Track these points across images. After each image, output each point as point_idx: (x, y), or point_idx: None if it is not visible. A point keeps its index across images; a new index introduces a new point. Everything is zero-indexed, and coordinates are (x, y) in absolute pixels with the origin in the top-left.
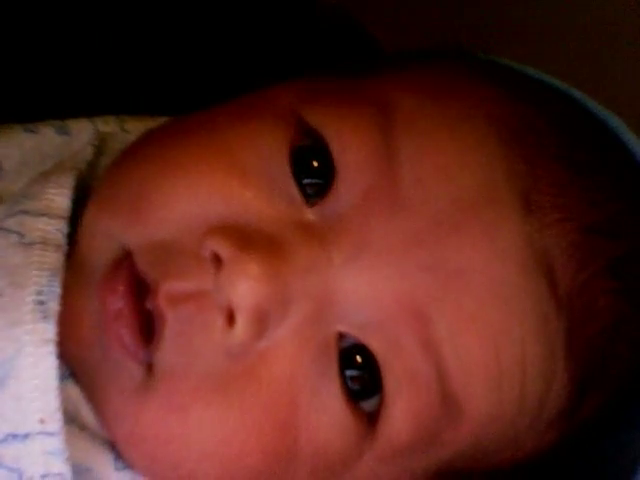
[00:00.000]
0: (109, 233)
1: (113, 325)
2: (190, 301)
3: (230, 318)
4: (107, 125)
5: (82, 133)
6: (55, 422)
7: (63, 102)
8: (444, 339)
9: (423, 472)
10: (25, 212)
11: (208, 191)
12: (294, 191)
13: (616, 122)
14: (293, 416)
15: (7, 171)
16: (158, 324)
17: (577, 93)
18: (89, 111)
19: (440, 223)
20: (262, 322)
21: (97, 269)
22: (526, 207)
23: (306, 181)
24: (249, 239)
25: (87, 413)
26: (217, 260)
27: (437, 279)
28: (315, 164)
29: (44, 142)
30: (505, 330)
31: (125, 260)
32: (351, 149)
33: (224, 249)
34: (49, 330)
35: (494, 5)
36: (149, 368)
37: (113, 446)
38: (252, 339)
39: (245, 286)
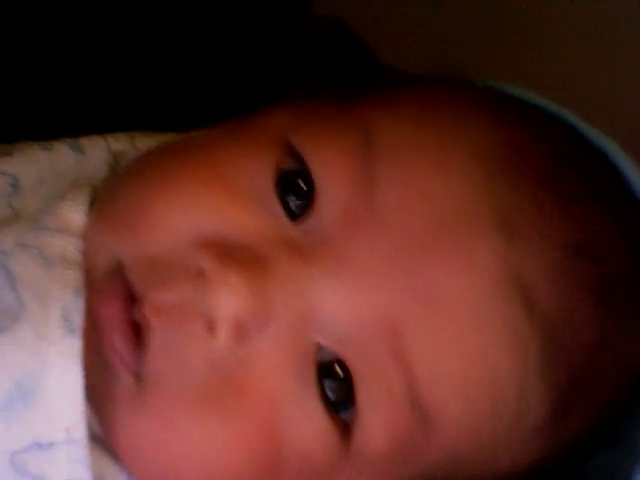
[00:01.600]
0: (104, 246)
1: (107, 333)
2: (175, 311)
3: (211, 328)
4: (118, 142)
5: (95, 151)
6: (80, 431)
7: (74, 119)
8: (415, 351)
9: None
10: (43, 228)
11: (197, 208)
12: (279, 209)
13: (614, 149)
14: (276, 424)
15: (24, 188)
16: (145, 333)
17: (575, 119)
18: (99, 128)
19: (416, 243)
20: (241, 332)
21: (94, 281)
22: (504, 228)
23: (292, 201)
24: (232, 253)
25: (97, 424)
26: (202, 273)
27: (412, 297)
28: (301, 185)
29: (59, 160)
30: (475, 345)
31: (118, 272)
32: (331, 171)
33: (208, 262)
34: (75, 344)
35: (491, 16)
36: (139, 378)
37: None
38: (232, 348)
39: (225, 297)
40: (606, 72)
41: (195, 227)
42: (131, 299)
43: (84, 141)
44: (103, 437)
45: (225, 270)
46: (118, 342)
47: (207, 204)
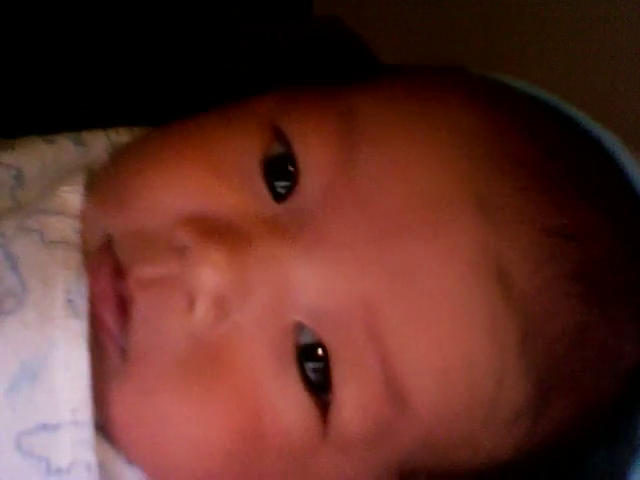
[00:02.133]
0: (97, 222)
1: (97, 306)
2: (158, 285)
3: (192, 302)
4: (119, 135)
5: (97, 143)
6: (86, 412)
7: (76, 115)
8: (390, 332)
9: (385, 470)
10: (42, 211)
11: (183, 184)
12: (264, 190)
13: (612, 141)
14: (256, 400)
15: (28, 180)
16: (129, 307)
17: (574, 111)
18: (100, 123)
19: (392, 222)
20: (221, 306)
21: (88, 255)
22: (481, 208)
23: (278, 183)
24: (215, 230)
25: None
26: (185, 248)
27: (388, 275)
28: (288, 167)
29: (62, 152)
30: (451, 327)
31: (107, 246)
32: (313, 151)
33: (190, 238)
34: (81, 326)
35: (492, 17)
36: (125, 353)
37: None
38: (212, 322)
39: (205, 272)
40: (606, 71)
41: (180, 204)
42: (119, 273)
43: (86, 134)
44: (99, 418)
45: (206, 246)
46: (107, 317)
47: (193, 183)
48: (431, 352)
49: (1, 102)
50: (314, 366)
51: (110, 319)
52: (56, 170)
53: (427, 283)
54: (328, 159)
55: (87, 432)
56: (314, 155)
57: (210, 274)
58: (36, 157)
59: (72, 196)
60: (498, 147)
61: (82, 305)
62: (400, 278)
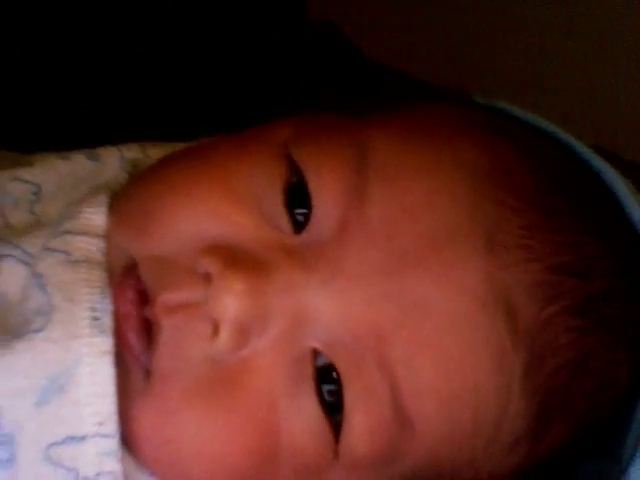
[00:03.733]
0: (121, 246)
1: (122, 327)
2: (183, 311)
3: (216, 328)
4: (131, 152)
5: (111, 159)
6: (111, 425)
7: (88, 132)
8: (399, 361)
9: None
10: (67, 232)
11: (205, 213)
12: (284, 219)
13: (610, 172)
14: (272, 419)
15: (45, 195)
16: (155, 331)
17: (575, 143)
18: (110, 139)
19: (403, 257)
20: (243, 333)
21: (113, 277)
22: (489, 246)
23: (298, 211)
24: (237, 259)
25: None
26: (208, 276)
27: (398, 307)
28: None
29: (77, 168)
30: (458, 358)
31: (132, 269)
32: (326, 186)
33: (214, 267)
34: (106, 343)
35: (488, 20)
36: (148, 373)
37: None
38: (233, 349)
39: (229, 301)
40: (606, 74)
41: (202, 231)
42: (144, 297)
43: (99, 150)
44: (123, 433)
45: (229, 274)
46: (131, 338)
47: (214, 210)
48: (438, 382)
49: (12, 115)
50: (329, 388)
51: (135, 340)
52: (73, 184)
53: (436, 316)
54: (341, 193)
55: (113, 444)
56: (327, 188)
57: (233, 303)
58: (52, 172)
59: (96, 217)
60: (505, 185)
61: (107, 323)
62: (410, 310)
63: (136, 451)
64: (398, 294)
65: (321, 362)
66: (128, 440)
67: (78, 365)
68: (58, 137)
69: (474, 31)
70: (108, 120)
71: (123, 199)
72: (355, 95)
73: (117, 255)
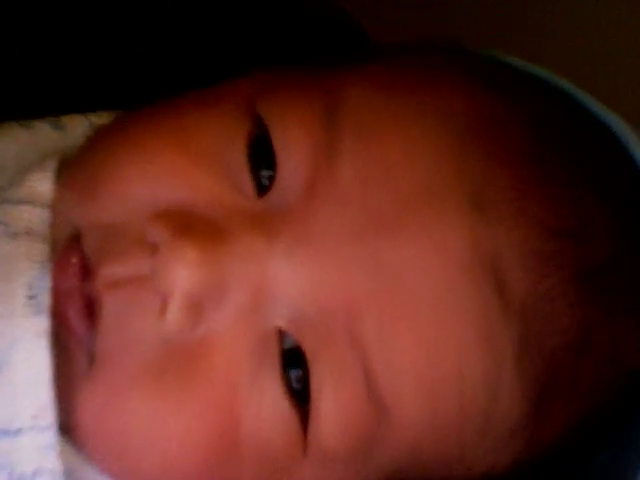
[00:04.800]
0: (66, 214)
1: (62, 305)
2: (128, 286)
3: (164, 303)
4: (100, 119)
5: (77, 128)
6: (47, 417)
7: (57, 100)
8: (372, 337)
9: None
10: (8, 201)
11: (158, 172)
12: (247, 180)
13: (620, 126)
14: (232, 406)
15: (3, 167)
16: (97, 308)
17: (580, 93)
18: (82, 109)
19: (379, 218)
20: (195, 308)
21: (56, 247)
22: (475, 206)
23: (264, 173)
24: (190, 225)
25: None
26: (157, 245)
27: (372, 275)
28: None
29: (40, 137)
30: (440, 334)
31: (74, 242)
32: (293, 142)
33: (162, 235)
34: (42, 323)
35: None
36: (92, 356)
37: None
38: (184, 326)
39: (178, 271)
40: (606, 69)
41: (155, 195)
42: (86, 271)
43: (65, 119)
44: (66, 423)
45: (179, 242)
46: (72, 317)
47: (169, 171)
48: (417, 360)
49: None
50: (297, 374)
51: (76, 320)
52: (35, 156)
53: (413, 284)
54: (309, 150)
55: (50, 437)
56: (294, 145)
57: (183, 274)
58: (12, 142)
59: (41, 184)
60: (496, 136)
61: (44, 301)
62: (385, 279)
63: (81, 443)
64: (371, 261)
65: (289, 344)
66: (73, 431)
67: (11, 348)
68: (27, 106)
69: (487, 14)
70: (80, 87)
71: (72, 163)
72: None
73: (62, 225)
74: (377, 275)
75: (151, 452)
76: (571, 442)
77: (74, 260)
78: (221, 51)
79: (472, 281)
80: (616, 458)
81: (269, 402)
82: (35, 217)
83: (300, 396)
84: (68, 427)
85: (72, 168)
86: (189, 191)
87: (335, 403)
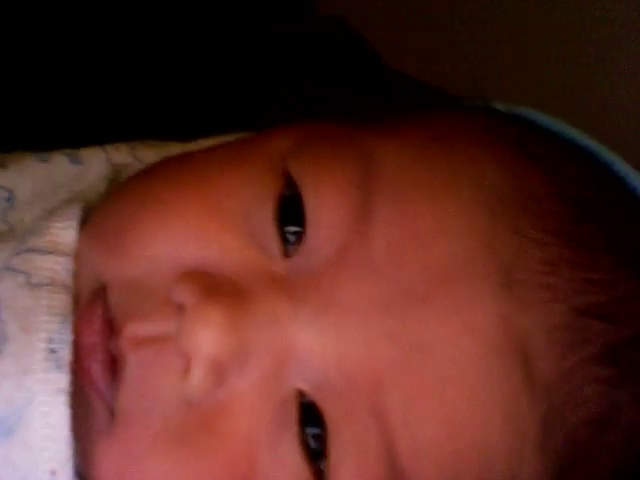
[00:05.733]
0: (91, 266)
1: (85, 360)
2: (152, 345)
3: (187, 366)
4: (119, 153)
5: (95, 162)
6: (66, 473)
7: (73, 129)
8: (396, 411)
9: None
10: (31, 250)
11: (185, 233)
12: (273, 240)
13: None
14: (251, 472)
15: (20, 201)
16: (120, 366)
17: (609, 155)
18: (99, 137)
19: (409, 292)
20: (218, 372)
21: (80, 303)
22: (505, 283)
23: (290, 229)
24: (215, 287)
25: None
26: (182, 306)
27: (399, 349)
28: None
29: (57, 172)
30: (465, 411)
31: (100, 296)
32: (325, 205)
33: (189, 295)
34: (62, 380)
35: (496, 17)
36: (113, 412)
37: None
38: (207, 389)
39: (203, 334)
40: (607, 77)
41: (180, 253)
42: (111, 327)
43: (83, 152)
44: (85, 475)
45: (205, 305)
46: (95, 372)
47: (196, 232)
48: (440, 437)
49: None
50: (314, 432)
51: (99, 376)
52: (51, 190)
53: (441, 361)
54: (341, 213)
55: None
56: (326, 207)
57: (208, 337)
58: (29, 176)
59: (65, 232)
60: (527, 212)
61: (65, 356)
62: (412, 353)
63: None
64: (399, 334)
65: (306, 399)
66: None
67: (30, 404)
68: (41, 134)
69: (487, 27)
70: (99, 115)
71: (98, 213)
72: (371, 96)
73: (86, 277)
74: (404, 349)
75: None
76: None
77: (99, 314)
78: (232, 74)
79: (499, 359)
80: None
81: (286, 463)
82: (58, 267)
83: (317, 455)
84: (87, 477)
85: (97, 218)
86: (215, 252)
87: (353, 472)
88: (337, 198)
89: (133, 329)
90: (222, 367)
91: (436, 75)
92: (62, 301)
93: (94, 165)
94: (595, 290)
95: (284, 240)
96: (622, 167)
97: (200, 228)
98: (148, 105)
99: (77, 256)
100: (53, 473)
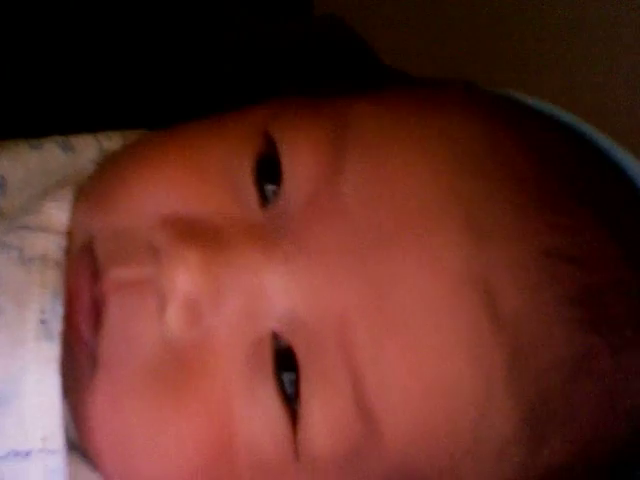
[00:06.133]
0: (81, 222)
1: (71, 308)
2: (132, 288)
3: (163, 305)
4: (110, 140)
5: (86, 150)
6: (57, 440)
7: (66, 117)
8: (363, 347)
9: None
10: (25, 227)
11: (167, 186)
12: (251, 194)
13: (628, 159)
14: (228, 408)
15: (11, 187)
16: (101, 310)
17: (594, 133)
18: (91, 126)
19: (376, 234)
20: (193, 310)
21: (70, 257)
22: (470, 227)
23: (268, 187)
24: (193, 232)
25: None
26: (160, 249)
27: (366, 287)
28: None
29: (48, 159)
30: (429, 348)
31: (88, 246)
32: (301, 161)
33: (166, 239)
34: (53, 349)
35: (494, 16)
36: (95, 359)
37: None
38: (183, 327)
39: (178, 274)
40: (607, 75)
41: (162, 204)
42: (96, 274)
43: (75, 140)
44: (77, 435)
45: (181, 248)
46: (79, 320)
47: (177, 183)
48: (406, 372)
49: None
50: (291, 377)
51: (82, 322)
52: (42, 177)
53: (405, 298)
54: (315, 167)
55: (58, 460)
56: (301, 162)
57: (182, 276)
58: (20, 163)
59: (57, 212)
60: (495, 159)
61: (56, 327)
62: (378, 292)
63: (90, 452)
64: (366, 274)
65: (283, 346)
66: (82, 442)
67: (22, 374)
68: (33, 122)
69: (486, 26)
70: (91, 105)
71: (87, 182)
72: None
73: (78, 235)
74: (371, 288)
75: (151, 455)
76: (573, 474)
77: (85, 263)
78: (232, 72)
79: (463, 299)
80: None
81: (263, 405)
82: (50, 243)
83: (293, 400)
84: (79, 437)
85: (87, 187)
86: (195, 202)
87: (323, 412)
88: (310, 151)
89: (114, 273)
90: (197, 305)
91: (436, 75)
92: (54, 276)
93: (86, 152)
94: (562, 233)
95: (262, 195)
96: (601, 138)
97: (181, 182)
98: (143, 101)
99: (70, 228)
100: (44, 440)
